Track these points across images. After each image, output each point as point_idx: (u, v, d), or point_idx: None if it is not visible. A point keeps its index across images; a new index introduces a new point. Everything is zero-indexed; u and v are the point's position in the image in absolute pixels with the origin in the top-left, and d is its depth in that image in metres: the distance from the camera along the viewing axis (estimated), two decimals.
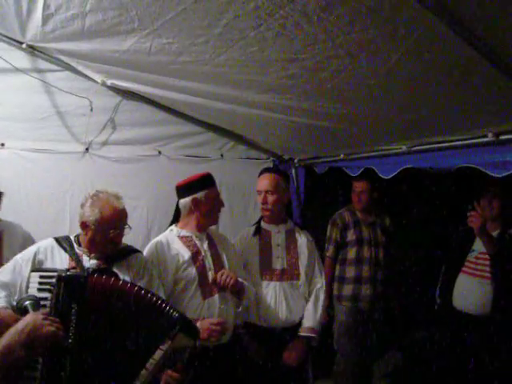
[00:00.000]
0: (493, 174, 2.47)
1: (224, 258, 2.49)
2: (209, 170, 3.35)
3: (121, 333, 1.73)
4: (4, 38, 2.64)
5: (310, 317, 2.70)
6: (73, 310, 1.60)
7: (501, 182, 2.59)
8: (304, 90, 2.22)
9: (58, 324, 1.37)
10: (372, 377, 3.78)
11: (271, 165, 3.77)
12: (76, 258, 2.00)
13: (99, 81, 2.92)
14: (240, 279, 2.42)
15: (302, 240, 2.83)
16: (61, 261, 1.99)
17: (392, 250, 3.74)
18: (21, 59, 2.73)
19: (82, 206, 2.04)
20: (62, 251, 2.03)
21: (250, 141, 3.67)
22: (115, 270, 2.04)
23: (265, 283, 2.69)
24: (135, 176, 3.16)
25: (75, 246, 2.06)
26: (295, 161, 3.88)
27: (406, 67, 1.73)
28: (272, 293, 2.67)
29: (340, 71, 1.92)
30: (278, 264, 2.74)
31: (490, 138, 2.32)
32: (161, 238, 2.45)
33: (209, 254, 2.43)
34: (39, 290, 1.79)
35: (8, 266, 1.97)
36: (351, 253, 3.58)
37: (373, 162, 3.09)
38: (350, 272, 3.57)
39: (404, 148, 2.77)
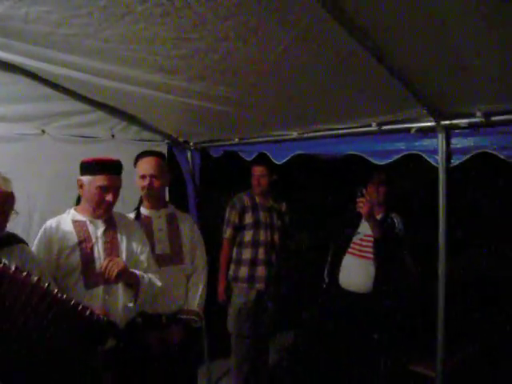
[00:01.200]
0: (376, 162, 2.63)
1: (123, 246, 2.34)
2: (98, 151, 3.19)
3: None
4: None
5: (190, 299, 2.73)
6: None
7: (385, 168, 2.77)
8: (196, 72, 2.17)
9: None
10: (267, 354, 3.89)
11: (166, 147, 3.67)
12: None
13: None
14: (135, 270, 2.29)
15: (185, 224, 2.83)
16: None
17: (287, 234, 3.86)
18: None
19: None
20: None
21: (143, 122, 3.52)
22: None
23: None
24: (14, 157, 2.86)
25: None
26: (190, 144, 3.82)
27: (295, 55, 1.75)
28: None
29: (231, 54, 1.89)
30: (161, 249, 2.70)
31: (373, 127, 2.45)
32: (52, 220, 2.30)
33: (101, 241, 2.28)
34: None
35: None
36: (248, 235, 3.64)
37: (266, 148, 3.13)
38: (246, 254, 3.63)
39: (295, 134, 2.85)
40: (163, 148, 3.62)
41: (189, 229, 2.82)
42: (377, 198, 3.27)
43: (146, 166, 2.70)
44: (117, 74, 2.40)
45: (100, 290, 2.21)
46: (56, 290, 1.80)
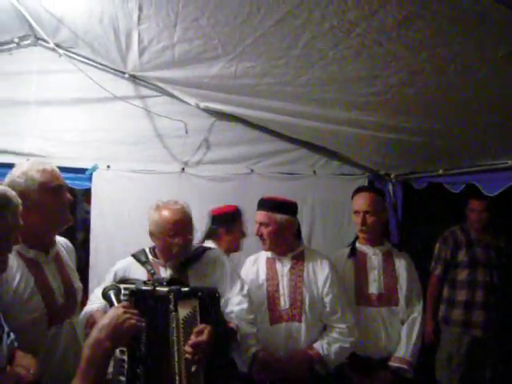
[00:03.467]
0: None
1: (307, 285, 2.35)
2: (301, 186, 3.41)
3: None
4: (109, 69, 2.91)
5: (403, 346, 2.48)
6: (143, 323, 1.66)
7: None
8: (391, 107, 2.13)
9: (137, 316, 1.43)
10: None
11: (366, 181, 3.64)
12: (150, 270, 2.05)
13: (193, 104, 3.07)
14: None
15: (401, 263, 2.61)
16: (140, 275, 2.05)
17: (509, 273, 3.39)
18: (124, 87, 2.98)
19: (148, 218, 2.09)
20: (139, 267, 2.09)
21: (343, 156, 3.59)
22: (190, 274, 2.05)
23: (361, 309, 2.51)
24: (228, 194, 3.23)
25: (150, 257, 2.11)
26: (391, 176, 3.72)
27: (497, 80, 1.58)
28: (369, 319, 2.51)
29: (427, 86, 1.81)
30: (375, 288, 2.56)
31: None
32: (256, 255, 2.50)
33: (286, 278, 2.35)
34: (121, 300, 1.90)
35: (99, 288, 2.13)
36: (462, 274, 3.31)
37: (475, 178, 2.85)
38: (461, 295, 3.29)
39: (511, 163, 2.52)
40: (363, 181, 3.61)
41: (406, 269, 2.60)
42: None
43: (360, 201, 2.63)
44: (313, 114, 2.53)
45: (283, 326, 2.27)
46: None
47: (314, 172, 3.54)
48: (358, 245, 2.69)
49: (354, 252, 2.66)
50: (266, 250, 2.40)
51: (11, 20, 2.50)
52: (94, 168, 2.94)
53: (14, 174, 1.73)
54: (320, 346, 2.24)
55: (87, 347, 1.25)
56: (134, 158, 3.08)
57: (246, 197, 3.26)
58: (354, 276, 2.59)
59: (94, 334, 1.29)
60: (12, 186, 1.63)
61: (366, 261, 2.63)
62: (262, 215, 2.34)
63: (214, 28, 1.88)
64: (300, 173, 3.50)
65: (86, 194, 3.20)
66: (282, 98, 2.46)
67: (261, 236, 2.34)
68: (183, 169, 3.18)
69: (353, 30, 1.55)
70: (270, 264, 2.40)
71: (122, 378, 1.69)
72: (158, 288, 1.77)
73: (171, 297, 1.71)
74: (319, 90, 2.15)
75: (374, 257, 2.62)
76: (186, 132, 3.09)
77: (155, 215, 2.04)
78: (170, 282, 1.84)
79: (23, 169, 1.74)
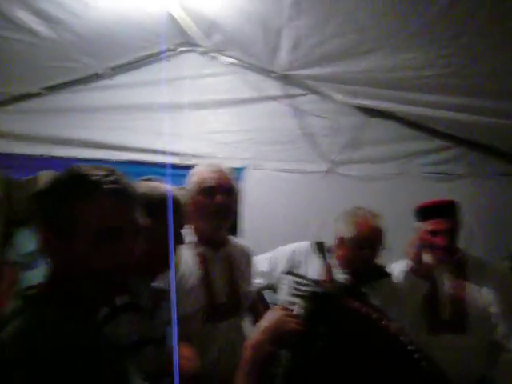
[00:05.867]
0: None
1: (471, 297, 2.12)
2: (455, 189, 3.07)
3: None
4: (258, 69, 2.94)
5: None
6: (320, 331, 1.58)
7: None
8: None
9: (299, 322, 1.39)
10: None
11: None
12: (328, 269, 2.03)
13: (343, 101, 2.96)
14: None
15: None
16: (314, 268, 2.05)
17: None
18: (272, 86, 2.99)
19: (338, 221, 2.06)
20: (316, 258, 2.09)
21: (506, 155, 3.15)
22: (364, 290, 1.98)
23: None
24: (377, 195, 3.06)
25: (327, 254, 2.09)
26: None
27: None
28: None
29: None
30: None
31: None
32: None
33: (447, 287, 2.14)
34: (290, 294, 1.86)
35: (265, 256, 2.17)
36: None
37: None
38: None
39: None
40: None
41: None
42: None
43: None
44: (487, 108, 2.23)
45: (445, 337, 2.05)
46: None
47: (472, 172, 3.17)
48: None
49: None
50: (441, 262, 2.15)
51: (168, 29, 2.66)
52: (244, 168, 3.01)
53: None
54: None
55: (248, 348, 1.25)
56: (281, 157, 3.08)
57: (397, 198, 3.07)
58: None
59: (255, 335, 1.28)
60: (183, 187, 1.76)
61: None
62: (444, 223, 2.10)
63: (370, 19, 1.76)
64: (455, 173, 3.17)
65: None
66: (443, 91, 2.22)
67: (440, 247, 2.10)
68: (330, 168, 3.09)
69: None
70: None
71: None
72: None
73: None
74: (489, 81, 1.89)
75: None
76: (335, 129, 2.99)
77: (351, 222, 1.99)
78: (350, 290, 1.77)
79: (195, 169, 1.89)
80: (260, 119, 3.04)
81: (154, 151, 2.84)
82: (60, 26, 2.06)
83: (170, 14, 2.42)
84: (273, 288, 2.05)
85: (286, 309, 1.40)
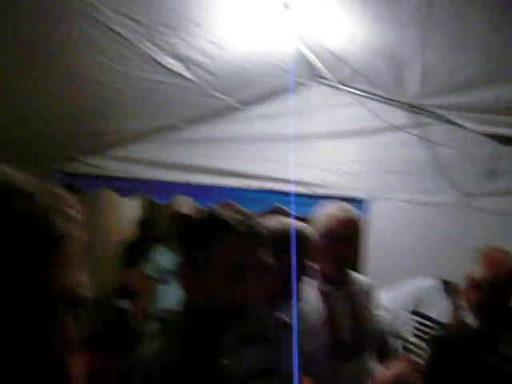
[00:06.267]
0: None
1: None
2: None
3: None
4: (386, 100, 2.89)
5: None
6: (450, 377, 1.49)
7: None
8: None
9: (421, 377, 1.34)
10: None
11: None
12: (456, 312, 1.89)
13: (475, 129, 2.77)
14: None
15: None
16: (439, 308, 1.92)
17: None
18: (399, 116, 2.90)
19: (469, 259, 1.93)
20: (443, 298, 1.97)
21: None
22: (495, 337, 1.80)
23: None
24: None
25: (455, 295, 1.96)
26: None
27: None
28: None
29: None
30: None
31: None
32: None
33: None
34: (413, 335, 1.78)
35: (389, 293, 2.11)
36: None
37: None
38: None
39: None
40: None
41: None
42: None
43: None
44: None
45: None
46: None
47: None
48: None
49: None
50: None
51: (296, 64, 2.75)
52: (371, 198, 2.96)
53: (318, 212, 1.94)
54: None
55: None
56: (410, 188, 2.98)
57: None
58: None
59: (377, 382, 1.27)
60: (314, 222, 1.81)
61: None
62: None
63: (503, 46, 1.66)
64: None
65: None
66: None
67: None
68: (463, 200, 2.90)
69: None
70: None
71: None
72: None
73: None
74: None
75: None
76: (470, 159, 2.81)
77: (483, 262, 1.88)
78: (481, 337, 1.65)
79: (324, 210, 1.93)
80: (387, 149, 2.99)
81: (282, 180, 2.93)
82: (197, 68, 2.27)
83: (298, 49, 2.51)
84: (397, 336, 1.94)
85: (409, 361, 1.36)
